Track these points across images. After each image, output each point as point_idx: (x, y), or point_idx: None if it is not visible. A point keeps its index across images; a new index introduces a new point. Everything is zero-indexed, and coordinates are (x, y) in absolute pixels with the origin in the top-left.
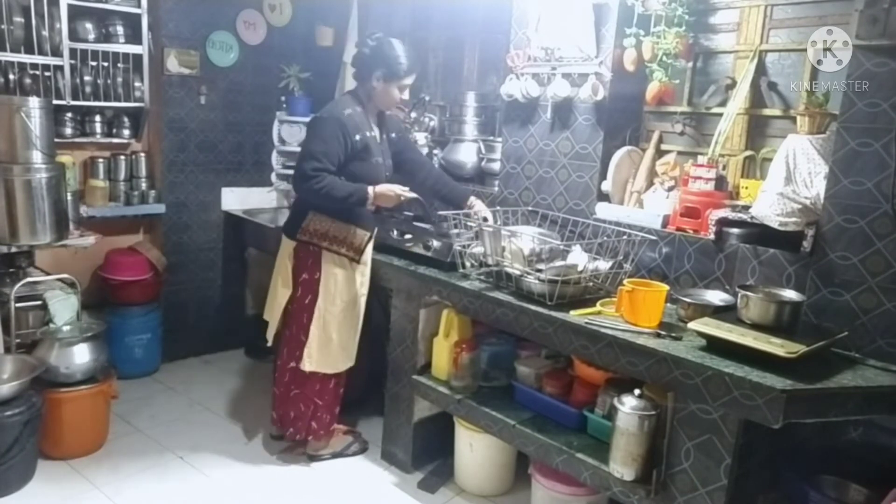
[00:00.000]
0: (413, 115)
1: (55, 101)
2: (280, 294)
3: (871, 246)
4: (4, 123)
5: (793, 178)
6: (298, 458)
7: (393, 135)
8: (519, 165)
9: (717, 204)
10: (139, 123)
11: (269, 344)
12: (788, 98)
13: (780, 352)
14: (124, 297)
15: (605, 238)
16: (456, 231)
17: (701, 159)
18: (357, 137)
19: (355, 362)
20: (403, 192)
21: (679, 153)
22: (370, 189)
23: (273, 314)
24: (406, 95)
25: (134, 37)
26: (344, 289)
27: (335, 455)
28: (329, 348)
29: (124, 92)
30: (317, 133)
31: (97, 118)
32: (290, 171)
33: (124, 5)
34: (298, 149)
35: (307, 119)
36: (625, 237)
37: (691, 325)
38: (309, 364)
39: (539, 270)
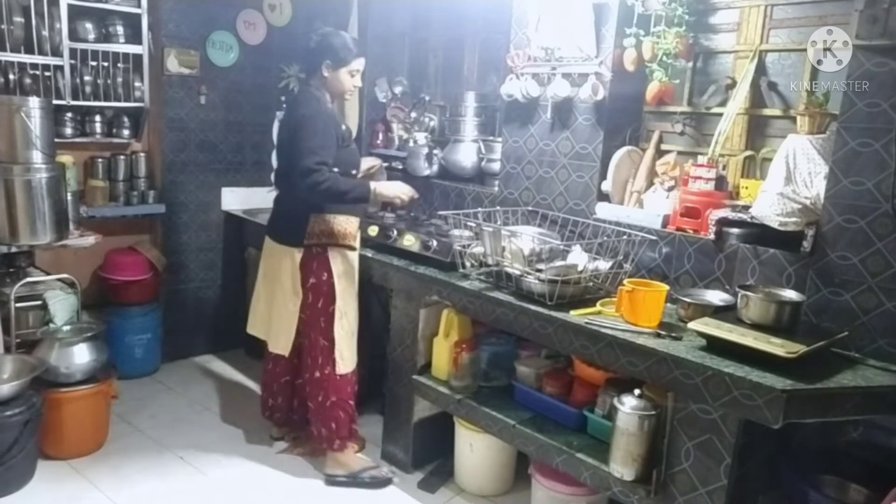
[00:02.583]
0: (413, 115)
1: (55, 101)
2: (291, 302)
3: (871, 246)
4: (4, 123)
5: (793, 178)
6: (298, 458)
7: None
8: (519, 165)
9: (717, 204)
10: (139, 123)
11: (287, 355)
12: (788, 98)
13: (780, 352)
14: (124, 297)
15: (605, 238)
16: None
17: (701, 159)
18: (343, 128)
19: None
20: (410, 193)
21: (679, 153)
22: (372, 185)
23: (284, 325)
24: (358, 82)
25: (134, 37)
26: (352, 280)
27: (351, 476)
28: (351, 343)
29: (124, 92)
30: (311, 129)
31: (97, 118)
32: None
33: (124, 5)
34: None
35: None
36: (625, 237)
37: (691, 325)
38: (342, 367)
39: (539, 270)
